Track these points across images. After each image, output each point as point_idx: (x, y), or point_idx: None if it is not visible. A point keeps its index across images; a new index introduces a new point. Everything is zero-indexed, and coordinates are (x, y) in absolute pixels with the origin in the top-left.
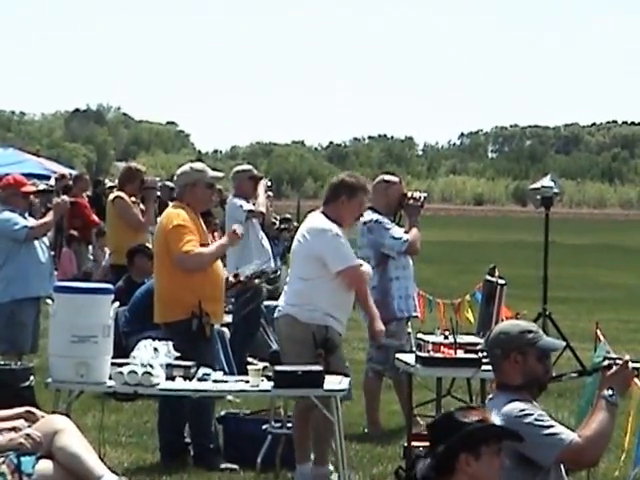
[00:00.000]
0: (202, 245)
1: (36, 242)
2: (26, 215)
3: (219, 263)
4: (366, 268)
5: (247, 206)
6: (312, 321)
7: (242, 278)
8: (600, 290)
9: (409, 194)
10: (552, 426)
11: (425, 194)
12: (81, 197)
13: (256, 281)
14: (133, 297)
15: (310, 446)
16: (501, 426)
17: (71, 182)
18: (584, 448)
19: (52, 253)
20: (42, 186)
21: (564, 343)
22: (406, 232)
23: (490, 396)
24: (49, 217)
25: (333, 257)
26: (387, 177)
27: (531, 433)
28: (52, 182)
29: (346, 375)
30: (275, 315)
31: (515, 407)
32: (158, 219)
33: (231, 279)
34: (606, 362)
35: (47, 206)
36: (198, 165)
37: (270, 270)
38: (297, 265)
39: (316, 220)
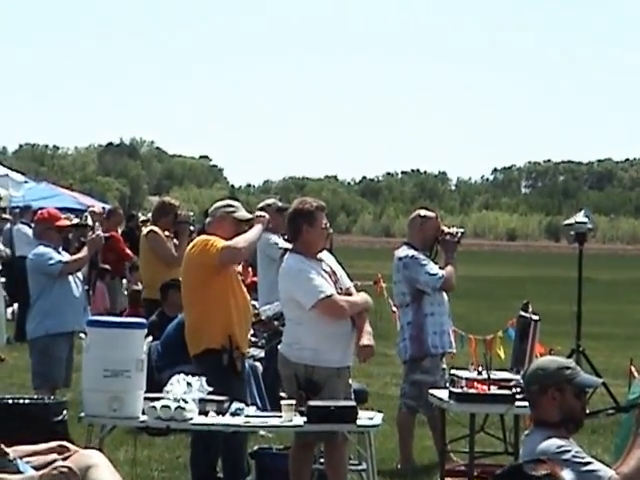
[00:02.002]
0: (232, 281)
1: (70, 277)
2: (60, 249)
3: (247, 296)
4: (349, 297)
5: (283, 244)
6: (300, 361)
7: (263, 318)
8: (634, 326)
9: (445, 229)
10: (590, 463)
11: (462, 229)
12: (115, 231)
13: (276, 323)
14: (165, 331)
15: None
16: None
17: (104, 216)
18: None
19: (86, 287)
20: (76, 220)
21: (601, 380)
22: (442, 268)
23: (526, 432)
24: (84, 253)
25: (303, 295)
26: (423, 212)
27: (569, 470)
28: (89, 221)
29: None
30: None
31: (553, 444)
32: None
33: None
34: None
35: (81, 240)
36: (233, 202)
37: None
38: (283, 307)
39: (284, 262)
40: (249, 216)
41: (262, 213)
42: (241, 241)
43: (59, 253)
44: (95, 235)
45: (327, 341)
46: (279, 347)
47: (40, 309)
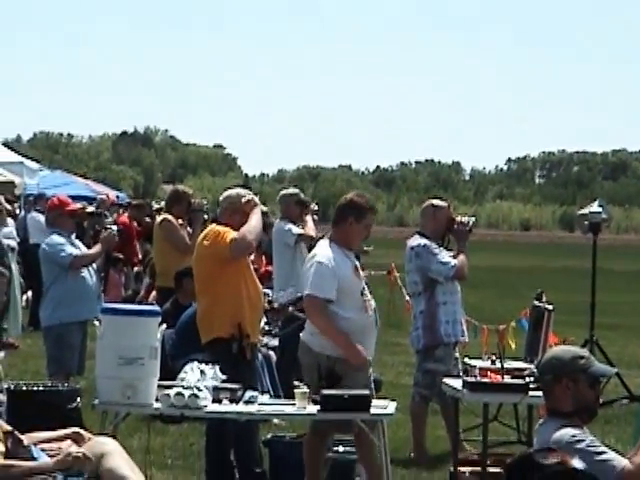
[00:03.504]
0: (245, 271)
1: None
2: (73, 237)
3: (259, 285)
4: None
5: (296, 230)
6: (323, 350)
7: (276, 305)
8: None
9: (457, 219)
10: (604, 452)
11: (473, 218)
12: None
13: (290, 308)
14: (180, 320)
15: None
16: (581, 470)
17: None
18: (636, 475)
19: (101, 274)
20: (91, 208)
21: (615, 369)
22: (454, 257)
23: (540, 421)
24: (97, 249)
25: (305, 281)
26: (435, 202)
27: (583, 460)
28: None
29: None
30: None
31: (567, 433)
32: None
33: (265, 305)
34: None
35: (95, 228)
36: (243, 192)
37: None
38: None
39: (315, 249)
40: (263, 209)
41: (249, 197)
42: (248, 232)
43: (72, 241)
44: (107, 233)
45: (351, 334)
46: (301, 335)
47: (53, 298)
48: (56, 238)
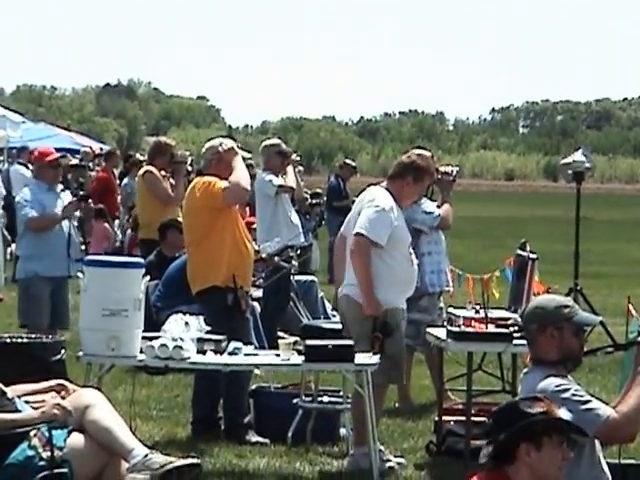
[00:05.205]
0: (236, 221)
1: None
2: (58, 188)
3: (248, 236)
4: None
5: (277, 181)
6: None
7: (263, 255)
8: (632, 265)
9: (441, 169)
10: (589, 401)
11: (457, 168)
12: (112, 172)
13: (276, 259)
14: (166, 272)
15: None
16: (566, 420)
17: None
18: (621, 424)
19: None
20: (74, 161)
21: (600, 318)
22: (438, 207)
23: (525, 370)
24: (54, 216)
25: (359, 222)
26: (418, 152)
27: (568, 409)
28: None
29: (399, 361)
30: (339, 292)
31: (552, 382)
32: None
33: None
34: None
35: (79, 180)
36: (226, 141)
37: (297, 246)
38: (350, 238)
39: (373, 193)
40: (246, 155)
41: (230, 145)
42: (239, 178)
43: (54, 193)
44: (69, 203)
45: (396, 284)
46: (342, 290)
47: (22, 252)
48: (25, 194)
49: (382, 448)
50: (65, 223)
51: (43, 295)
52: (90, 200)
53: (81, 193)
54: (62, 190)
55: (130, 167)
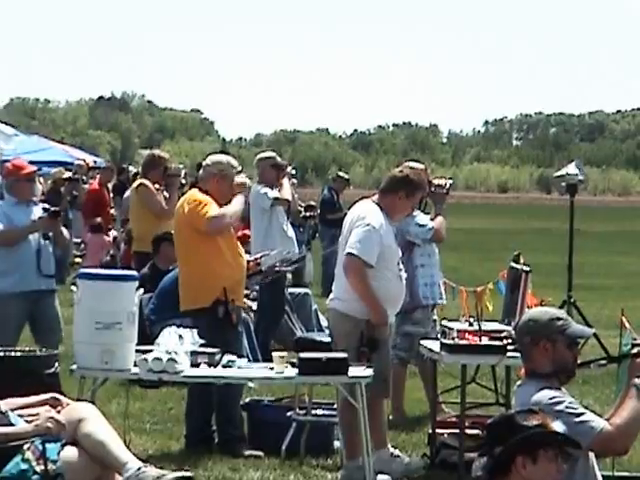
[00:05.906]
0: (225, 235)
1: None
2: (36, 201)
3: (241, 249)
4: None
5: (272, 194)
6: (364, 316)
7: (263, 268)
8: (625, 277)
9: (434, 181)
10: (583, 414)
11: (451, 181)
12: (105, 186)
13: (275, 269)
14: (160, 285)
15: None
16: (562, 433)
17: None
18: (615, 436)
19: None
20: (68, 174)
21: (593, 330)
22: (432, 219)
23: (518, 383)
24: (22, 230)
25: (350, 241)
26: (412, 164)
27: (562, 421)
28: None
29: (386, 375)
30: (327, 305)
31: (546, 395)
32: None
33: (251, 264)
34: (635, 349)
35: (73, 194)
36: (233, 161)
37: (293, 258)
38: (342, 256)
39: (363, 209)
40: (244, 181)
41: (243, 181)
42: (228, 213)
43: (33, 205)
44: (39, 218)
45: (386, 301)
46: (331, 304)
47: None
48: None
49: (390, 447)
50: (34, 237)
51: (11, 312)
52: (59, 217)
53: (52, 209)
54: (34, 204)
55: (132, 180)
